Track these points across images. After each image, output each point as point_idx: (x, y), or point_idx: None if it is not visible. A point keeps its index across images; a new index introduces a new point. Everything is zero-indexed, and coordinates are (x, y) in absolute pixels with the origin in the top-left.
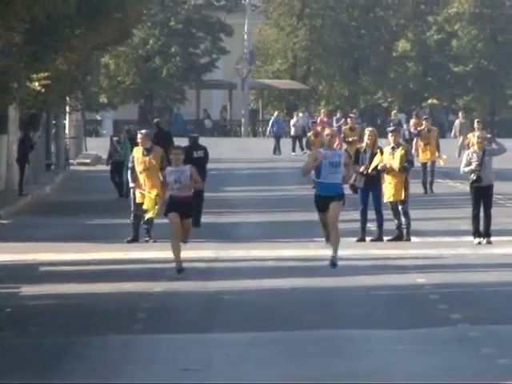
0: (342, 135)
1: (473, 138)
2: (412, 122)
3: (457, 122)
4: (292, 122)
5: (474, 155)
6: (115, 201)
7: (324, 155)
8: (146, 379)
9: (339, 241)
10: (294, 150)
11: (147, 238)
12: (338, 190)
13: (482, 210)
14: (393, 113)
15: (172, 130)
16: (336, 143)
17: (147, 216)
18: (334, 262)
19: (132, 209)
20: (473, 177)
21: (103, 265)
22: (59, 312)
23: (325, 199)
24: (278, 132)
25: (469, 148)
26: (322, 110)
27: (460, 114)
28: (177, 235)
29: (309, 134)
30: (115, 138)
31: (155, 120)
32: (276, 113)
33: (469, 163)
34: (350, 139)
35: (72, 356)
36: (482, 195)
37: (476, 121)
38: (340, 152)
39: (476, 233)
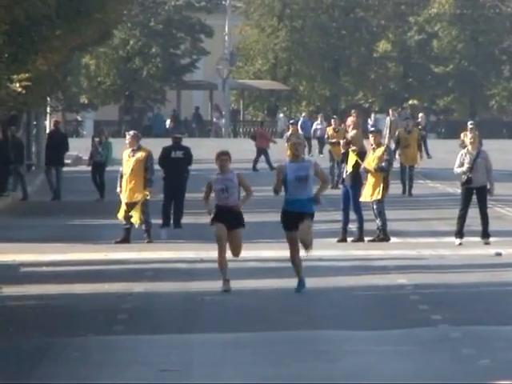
0: (326, 136)
1: (466, 138)
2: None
3: (387, 119)
4: (315, 124)
5: (468, 156)
6: (96, 201)
7: (281, 169)
8: (126, 380)
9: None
10: (321, 152)
11: (148, 240)
12: (306, 207)
13: (478, 211)
14: (420, 115)
15: (153, 131)
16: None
17: (134, 221)
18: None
19: (121, 209)
20: (463, 178)
21: (83, 265)
22: (39, 313)
23: (291, 215)
24: (307, 133)
25: (463, 148)
26: (352, 111)
27: (390, 112)
28: (222, 250)
29: (287, 133)
30: (96, 139)
31: (54, 119)
32: (304, 113)
33: (462, 164)
34: (334, 140)
35: (52, 357)
36: (475, 196)
37: (469, 123)
38: (308, 164)
39: (458, 233)
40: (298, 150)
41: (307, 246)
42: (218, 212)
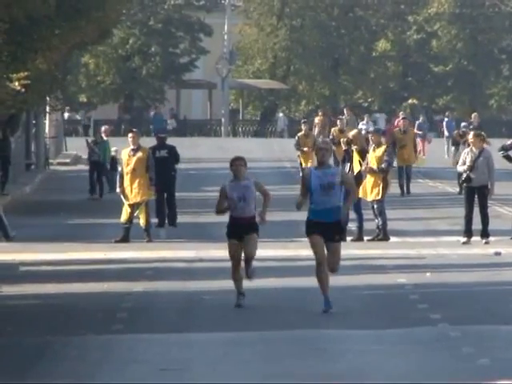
0: (331, 137)
1: (458, 137)
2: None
3: (343, 118)
4: (360, 125)
5: (470, 155)
6: (87, 200)
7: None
8: (125, 379)
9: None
10: None
11: (148, 239)
12: (335, 217)
13: (478, 210)
14: (473, 115)
15: (152, 130)
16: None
17: (141, 222)
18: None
19: (124, 211)
20: (463, 176)
21: (83, 265)
22: (39, 312)
23: (318, 224)
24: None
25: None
26: (401, 113)
27: (345, 111)
28: (238, 265)
29: (299, 134)
30: (92, 139)
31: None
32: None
33: (464, 163)
34: (340, 140)
35: (51, 356)
36: (476, 196)
37: (462, 125)
38: (335, 171)
39: (466, 232)
40: (324, 156)
41: (333, 270)
42: (233, 225)
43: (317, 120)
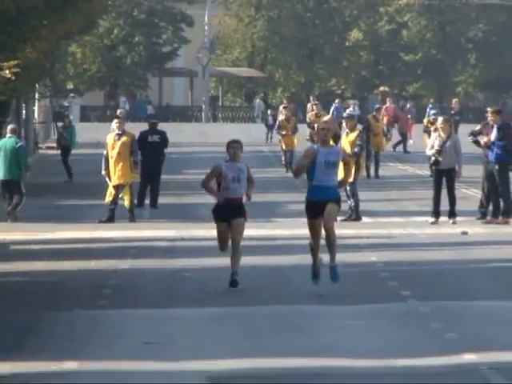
0: (308, 121)
1: (429, 124)
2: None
3: (281, 107)
4: (348, 111)
5: (438, 139)
6: (64, 182)
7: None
8: (111, 353)
9: (336, 247)
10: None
11: (131, 219)
12: (333, 194)
13: (446, 191)
14: (454, 101)
15: (135, 116)
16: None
17: (125, 203)
18: (334, 273)
19: (108, 192)
20: (432, 160)
21: (71, 244)
22: (28, 289)
23: (317, 204)
24: (337, 119)
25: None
26: (388, 99)
27: (284, 101)
28: (224, 247)
29: (280, 118)
30: (60, 124)
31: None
32: (337, 100)
33: (432, 147)
34: (316, 125)
35: (40, 331)
36: (444, 178)
37: (432, 112)
38: (338, 149)
39: (434, 212)
40: (326, 135)
41: (330, 231)
42: (223, 205)
43: (281, 108)
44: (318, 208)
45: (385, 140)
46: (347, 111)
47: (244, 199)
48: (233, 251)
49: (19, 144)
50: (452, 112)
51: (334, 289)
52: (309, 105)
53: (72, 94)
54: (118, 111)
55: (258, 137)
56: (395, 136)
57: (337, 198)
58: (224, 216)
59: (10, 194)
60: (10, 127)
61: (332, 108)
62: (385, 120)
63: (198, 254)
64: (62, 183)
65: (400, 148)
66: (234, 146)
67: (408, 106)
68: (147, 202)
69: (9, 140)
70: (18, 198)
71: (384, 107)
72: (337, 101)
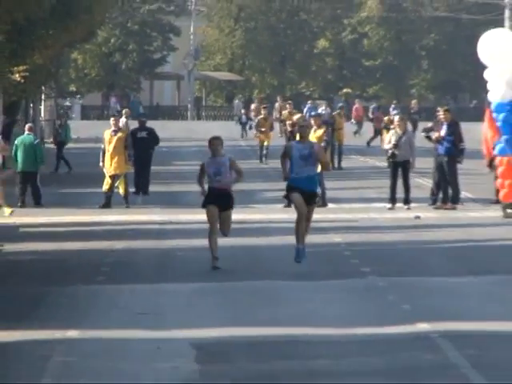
0: (281, 118)
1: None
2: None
3: (276, 104)
4: (320, 110)
5: (395, 135)
6: (67, 173)
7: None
8: (108, 322)
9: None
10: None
11: (126, 205)
12: (310, 186)
13: (400, 181)
14: (413, 102)
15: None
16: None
17: (121, 191)
18: (302, 254)
19: (105, 181)
20: (389, 153)
21: (73, 226)
22: (37, 266)
23: (297, 189)
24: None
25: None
26: (357, 101)
27: (278, 99)
28: (214, 231)
29: (259, 117)
30: (58, 121)
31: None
32: (310, 101)
33: (389, 142)
34: (288, 122)
35: (47, 304)
36: (399, 169)
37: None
38: (312, 143)
39: (391, 199)
40: (305, 132)
41: (308, 220)
42: (211, 194)
43: (252, 106)
44: (298, 190)
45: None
46: (319, 110)
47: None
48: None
49: (37, 140)
50: (412, 111)
51: (303, 266)
52: (276, 104)
53: (78, 96)
54: (124, 111)
55: (237, 133)
56: (369, 132)
57: (313, 191)
58: (212, 201)
59: (25, 185)
60: (28, 125)
61: (305, 108)
62: (353, 118)
63: (185, 236)
64: (65, 174)
65: (362, 142)
66: (214, 143)
67: (373, 106)
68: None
69: (27, 137)
70: (35, 188)
71: (354, 108)
72: (309, 102)
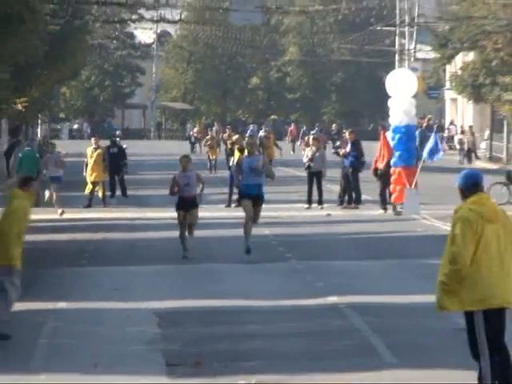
0: (259, 142)
1: (309, 141)
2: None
3: (195, 129)
4: (260, 132)
5: (310, 151)
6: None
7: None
8: (89, 296)
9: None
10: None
11: (104, 205)
12: (257, 191)
13: (316, 187)
14: (334, 125)
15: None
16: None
17: (99, 194)
18: (249, 249)
19: (87, 187)
20: (306, 165)
21: (61, 222)
22: (31, 252)
23: (247, 194)
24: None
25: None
26: (292, 123)
27: (215, 124)
28: (184, 229)
29: (207, 137)
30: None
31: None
32: (251, 125)
33: (307, 156)
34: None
35: (40, 282)
36: (314, 177)
37: (312, 132)
38: (259, 158)
39: (308, 201)
40: (252, 148)
41: (255, 221)
42: (181, 201)
43: (195, 130)
44: (248, 196)
45: (277, 152)
46: (260, 132)
47: (198, 198)
48: (189, 232)
49: (37, 155)
50: (332, 133)
51: (239, 253)
52: (214, 128)
53: (76, 120)
54: (117, 132)
55: (189, 150)
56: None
57: (260, 194)
58: (181, 207)
59: None
60: (27, 143)
61: (249, 131)
62: (289, 139)
63: (151, 230)
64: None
65: (286, 157)
66: (184, 160)
67: (304, 128)
68: (118, 193)
69: (30, 151)
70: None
71: (289, 129)
72: (251, 126)
